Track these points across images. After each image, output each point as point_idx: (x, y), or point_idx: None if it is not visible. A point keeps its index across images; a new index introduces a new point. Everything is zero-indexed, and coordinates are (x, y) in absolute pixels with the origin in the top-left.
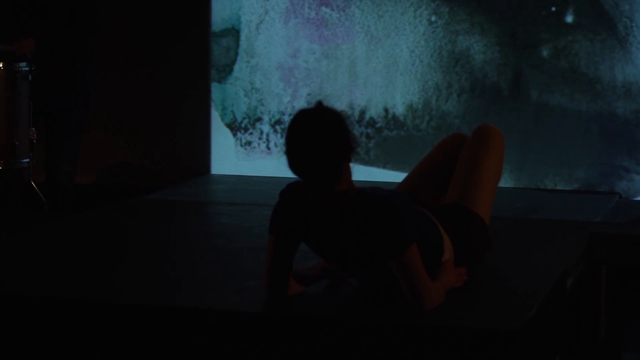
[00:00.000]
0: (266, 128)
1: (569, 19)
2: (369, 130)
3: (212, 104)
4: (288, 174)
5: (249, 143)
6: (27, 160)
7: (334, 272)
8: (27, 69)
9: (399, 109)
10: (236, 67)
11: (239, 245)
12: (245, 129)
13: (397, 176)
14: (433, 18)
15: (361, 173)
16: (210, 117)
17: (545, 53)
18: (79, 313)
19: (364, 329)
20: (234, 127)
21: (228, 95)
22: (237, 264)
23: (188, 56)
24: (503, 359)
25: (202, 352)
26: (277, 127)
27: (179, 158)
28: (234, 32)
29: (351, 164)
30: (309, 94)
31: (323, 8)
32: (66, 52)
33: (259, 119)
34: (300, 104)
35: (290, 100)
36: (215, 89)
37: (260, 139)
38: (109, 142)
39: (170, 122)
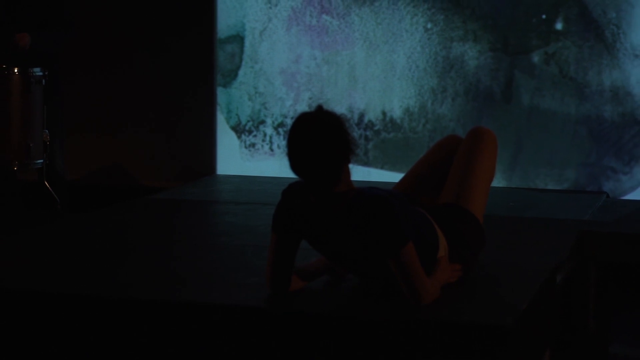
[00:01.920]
0: (269, 130)
1: (559, 26)
2: (368, 133)
3: (218, 108)
4: (290, 174)
5: (253, 145)
6: (41, 161)
7: (334, 268)
8: (40, 74)
9: (396, 112)
10: (241, 72)
11: (243, 243)
12: (250, 132)
13: (394, 176)
14: (429, 25)
15: (360, 173)
16: (216, 120)
17: (536, 59)
18: (88, 308)
19: (363, 324)
20: (238, 129)
21: (233, 99)
22: (241, 261)
23: (194, 62)
24: (496, 352)
25: (206, 345)
26: (280, 129)
27: (186, 159)
28: (238, 39)
29: (350, 165)
30: (310, 98)
31: (324, 16)
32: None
33: (263, 122)
34: (302, 107)
35: (292, 103)
36: (220, 93)
37: (263, 140)
38: (118, 143)
39: (178, 124)
